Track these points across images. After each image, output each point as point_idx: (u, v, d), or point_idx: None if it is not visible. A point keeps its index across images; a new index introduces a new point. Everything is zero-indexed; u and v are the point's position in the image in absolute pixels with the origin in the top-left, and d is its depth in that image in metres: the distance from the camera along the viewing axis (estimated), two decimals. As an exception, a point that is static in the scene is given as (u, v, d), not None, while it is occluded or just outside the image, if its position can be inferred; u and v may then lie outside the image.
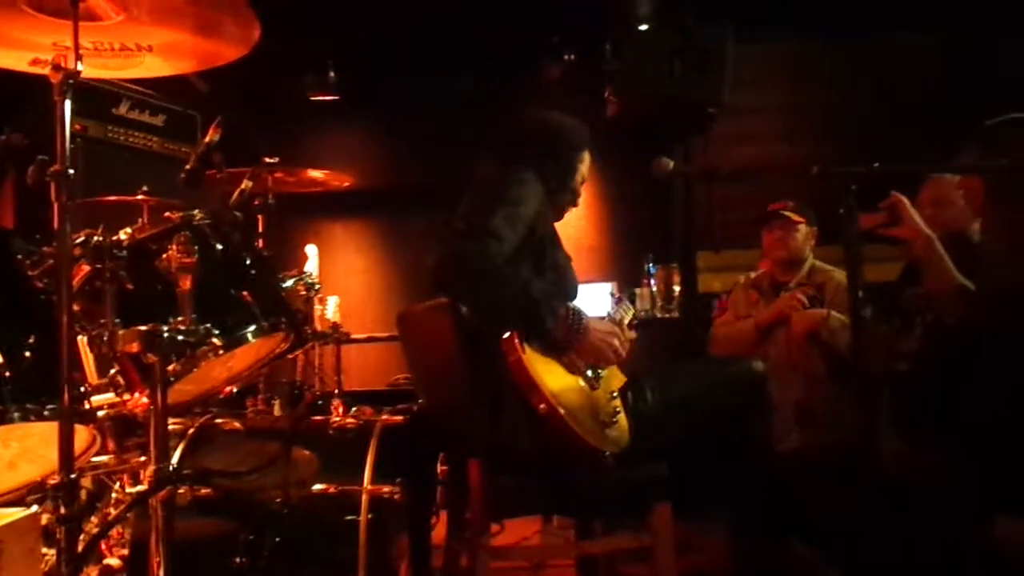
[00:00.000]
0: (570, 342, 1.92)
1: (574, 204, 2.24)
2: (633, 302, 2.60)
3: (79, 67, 1.41)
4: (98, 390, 1.75)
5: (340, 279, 4.73)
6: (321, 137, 4.86)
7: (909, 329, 2.66)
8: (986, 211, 2.31)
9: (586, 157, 2.22)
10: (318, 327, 2.84)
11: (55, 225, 1.41)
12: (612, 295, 2.56)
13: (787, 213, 2.93)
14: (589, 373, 1.98)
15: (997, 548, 2.10)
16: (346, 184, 3.33)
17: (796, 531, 2.38)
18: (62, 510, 1.35)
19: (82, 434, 1.60)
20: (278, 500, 1.93)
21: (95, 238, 1.50)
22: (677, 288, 3.48)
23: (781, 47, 4.47)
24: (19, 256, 1.51)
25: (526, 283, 1.89)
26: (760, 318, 2.90)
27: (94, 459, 1.85)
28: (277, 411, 2.77)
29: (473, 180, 2.04)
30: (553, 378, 1.86)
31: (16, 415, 1.39)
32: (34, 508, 1.79)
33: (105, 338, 1.46)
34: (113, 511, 1.92)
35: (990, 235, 2.36)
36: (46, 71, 1.42)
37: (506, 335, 1.83)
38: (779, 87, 4.58)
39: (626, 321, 2.14)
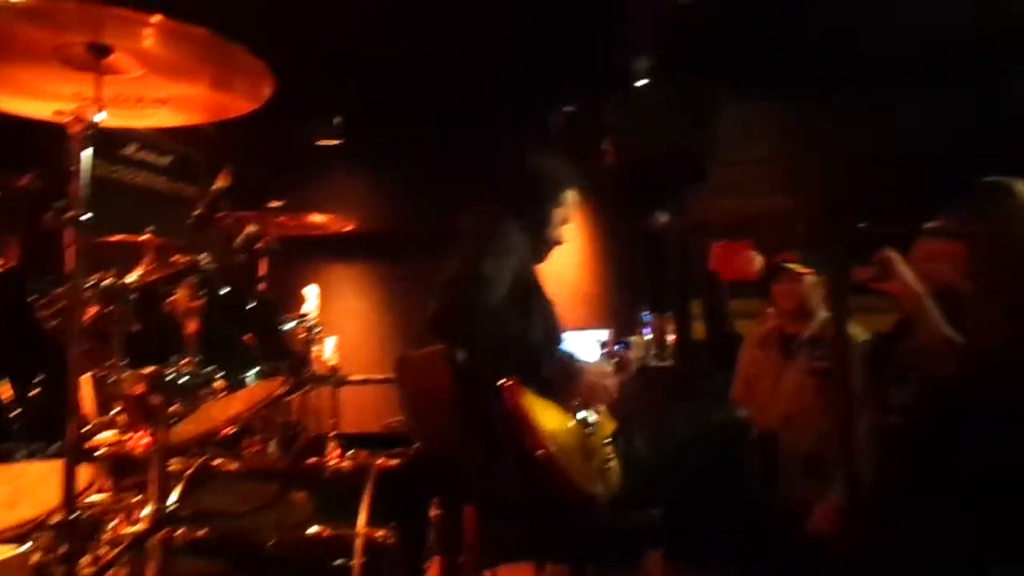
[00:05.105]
0: (565, 385, 1.96)
1: (557, 244, 2.23)
2: (628, 349, 2.63)
3: (100, 117, 1.48)
4: (99, 428, 1.78)
5: (339, 320, 4.76)
6: (323, 181, 4.94)
7: (903, 382, 2.68)
8: (970, 274, 2.34)
9: (567, 200, 2.20)
10: (316, 369, 2.88)
11: (68, 268, 1.46)
12: (598, 342, 2.58)
13: (790, 266, 2.91)
14: (583, 417, 2.01)
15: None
16: (348, 228, 3.39)
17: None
18: (63, 548, 1.37)
19: (83, 473, 1.62)
20: (273, 542, 1.94)
21: (106, 281, 1.54)
22: (671, 336, 3.52)
23: (774, 103, 4.58)
24: (33, 296, 1.55)
25: (522, 329, 1.94)
26: None
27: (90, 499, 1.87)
28: (272, 450, 2.78)
29: (459, 230, 2.08)
30: (550, 423, 1.89)
31: (22, 454, 1.42)
32: (26, 546, 1.81)
33: (111, 380, 1.50)
34: (106, 550, 1.93)
35: (975, 297, 2.38)
36: (67, 120, 1.48)
37: (503, 380, 1.87)
38: (772, 141, 4.67)
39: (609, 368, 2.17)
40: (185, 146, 4.07)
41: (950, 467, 2.28)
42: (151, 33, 1.45)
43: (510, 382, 1.87)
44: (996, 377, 2.13)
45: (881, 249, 2.52)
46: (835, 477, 2.49)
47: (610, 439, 2.06)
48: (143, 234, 2.68)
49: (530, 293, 2.09)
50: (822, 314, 2.87)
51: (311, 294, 2.94)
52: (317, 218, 3.12)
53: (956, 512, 2.16)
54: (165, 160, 4.10)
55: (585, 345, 2.43)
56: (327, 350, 3.12)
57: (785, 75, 4.28)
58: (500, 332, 1.90)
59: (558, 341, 2.13)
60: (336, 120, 4.78)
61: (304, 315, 2.52)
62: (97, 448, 1.79)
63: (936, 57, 4.23)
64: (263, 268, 2.81)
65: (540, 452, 1.81)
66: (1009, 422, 2.10)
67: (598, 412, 2.07)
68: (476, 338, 1.91)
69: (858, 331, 2.72)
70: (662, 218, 2.01)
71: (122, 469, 2.01)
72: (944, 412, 2.37)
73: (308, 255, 4.17)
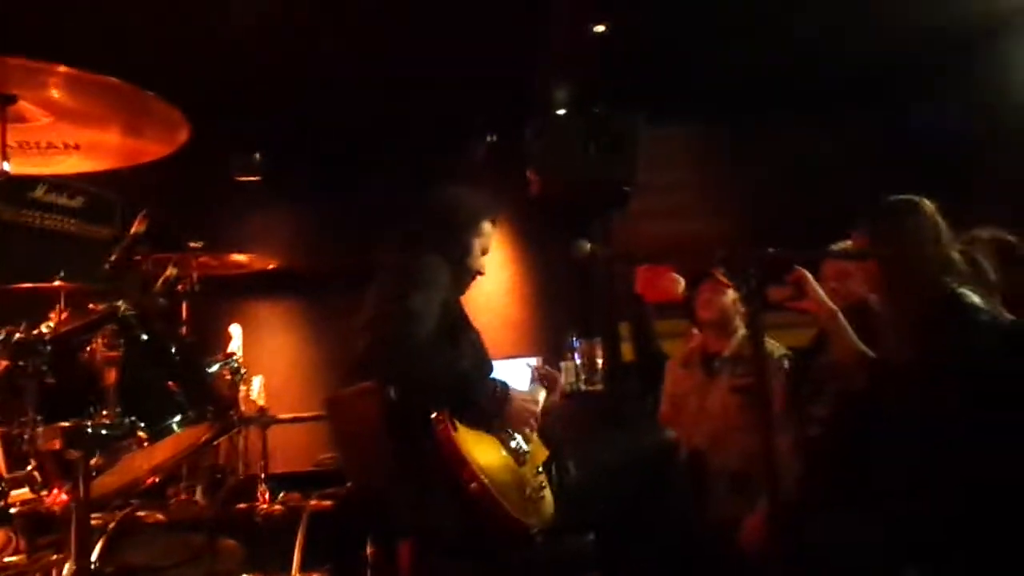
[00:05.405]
0: (497, 413, 1.97)
1: (479, 274, 2.25)
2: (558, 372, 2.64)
3: (4, 167, 1.43)
4: (11, 486, 1.70)
5: (265, 358, 4.66)
6: (245, 217, 4.85)
7: (819, 396, 2.79)
8: (881, 290, 2.44)
9: (484, 230, 2.23)
10: (243, 409, 2.81)
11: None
12: (528, 366, 2.59)
13: (717, 274, 2.95)
14: (515, 447, 2.03)
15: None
16: (271, 266, 3.35)
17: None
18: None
19: (-3, 536, 1.55)
20: (202, 594, 1.89)
21: (16, 335, 1.48)
22: (600, 361, 3.57)
23: (691, 129, 4.74)
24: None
25: (452, 360, 1.95)
26: None
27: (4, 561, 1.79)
28: (199, 497, 2.70)
29: (380, 266, 2.08)
30: (482, 455, 1.90)
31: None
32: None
33: (26, 436, 1.44)
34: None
35: (885, 313, 2.49)
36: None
37: (435, 413, 1.87)
38: (691, 166, 4.83)
39: (540, 397, 2.20)
40: (98, 187, 3.93)
41: (864, 479, 2.37)
42: (58, 83, 1.42)
43: (442, 416, 1.87)
44: (907, 390, 2.22)
45: (794, 269, 2.62)
46: (762, 493, 2.56)
47: (543, 467, 2.08)
48: (53, 280, 2.59)
49: (457, 324, 2.11)
50: (741, 331, 2.96)
51: (235, 333, 2.88)
52: (239, 257, 3.08)
53: (872, 522, 2.25)
54: (76, 202, 3.95)
55: (515, 373, 2.45)
56: (254, 390, 3.06)
57: (703, 101, 4.44)
58: (431, 366, 1.90)
59: (487, 370, 2.14)
60: (256, 156, 4.72)
61: (229, 356, 2.47)
62: (10, 507, 1.71)
63: (850, 83, 4.46)
64: (185, 311, 2.74)
65: (473, 486, 1.82)
66: (919, 434, 2.19)
67: (530, 440, 2.09)
68: (408, 373, 1.91)
69: (775, 345, 2.82)
70: (584, 246, 2.04)
71: (38, 528, 1.92)
72: (858, 425, 2.47)
73: (231, 294, 4.09)
